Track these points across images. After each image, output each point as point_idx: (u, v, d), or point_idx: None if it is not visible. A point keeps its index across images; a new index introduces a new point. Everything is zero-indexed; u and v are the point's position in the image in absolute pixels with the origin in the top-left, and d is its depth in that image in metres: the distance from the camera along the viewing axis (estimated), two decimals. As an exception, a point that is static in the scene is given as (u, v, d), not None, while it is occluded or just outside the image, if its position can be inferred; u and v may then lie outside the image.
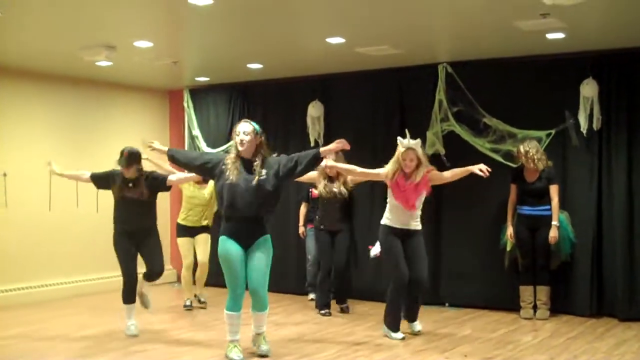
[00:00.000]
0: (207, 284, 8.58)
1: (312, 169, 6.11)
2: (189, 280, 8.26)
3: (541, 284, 7.57)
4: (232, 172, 5.67)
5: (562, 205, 7.63)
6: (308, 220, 8.53)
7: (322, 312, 7.71)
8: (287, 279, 9.11)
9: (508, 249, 7.68)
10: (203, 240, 8.24)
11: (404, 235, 6.51)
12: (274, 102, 9.61)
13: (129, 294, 6.74)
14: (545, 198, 7.47)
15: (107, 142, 9.43)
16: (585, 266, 7.61)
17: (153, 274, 6.78)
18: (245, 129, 5.78)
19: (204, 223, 8.25)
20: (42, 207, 8.29)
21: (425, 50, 7.85)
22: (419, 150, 6.44)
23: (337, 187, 7.67)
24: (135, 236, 6.70)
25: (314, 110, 9.15)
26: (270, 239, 5.84)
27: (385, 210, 6.61)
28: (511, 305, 7.73)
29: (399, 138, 6.48)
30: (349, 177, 7.59)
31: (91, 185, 6.93)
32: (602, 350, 6.16)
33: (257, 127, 5.83)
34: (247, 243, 5.71)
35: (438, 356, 5.98)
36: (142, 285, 6.86)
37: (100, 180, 6.83)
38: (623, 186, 7.47)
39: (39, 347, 6.37)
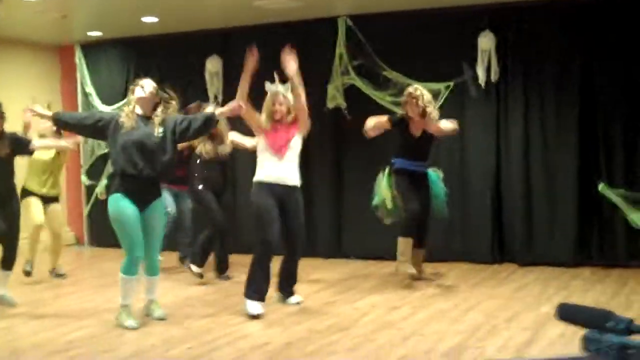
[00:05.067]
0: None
1: (207, 132, 5.79)
2: (37, 240, 7.32)
3: (420, 246, 6.92)
4: (129, 127, 5.39)
5: (461, 156, 7.80)
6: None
7: (195, 270, 7.03)
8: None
9: (389, 206, 6.84)
10: (56, 210, 7.55)
11: (281, 193, 5.79)
12: (170, 58, 9.32)
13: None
14: (425, 155, 6.83)
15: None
16: (485, 216, 7.83)
17: (10, 252, 6.24)
18: (147, 83, 5.57)
19: (53, 192, 7.48)
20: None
21: (325, 3, 7.78)
22: (289, 95, 5.88)
23: (218, 147, 7.06)
24: None
25: (212, 66, 8.95)
26: (168, 196, 5.66)
27: (257, 168, 5.92)
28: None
29: (266, 83, 5.96)
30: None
31: None
32: (505, 295, 6.36)
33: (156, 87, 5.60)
34: (143, 204, 5.46)
35: (347, 307, 6.04)
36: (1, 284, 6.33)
37: None
38: (520, 136, 7.70)
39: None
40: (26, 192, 7.34)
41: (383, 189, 6.87)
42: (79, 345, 5.06)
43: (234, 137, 7.09)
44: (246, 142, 6.92)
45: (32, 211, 7.31)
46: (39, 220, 7.31)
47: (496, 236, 7.84)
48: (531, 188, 7.69)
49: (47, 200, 7.45)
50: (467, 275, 7.29)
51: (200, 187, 7.09)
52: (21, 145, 6.26)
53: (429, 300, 6.23)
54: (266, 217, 5.74)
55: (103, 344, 5.09)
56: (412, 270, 6.69)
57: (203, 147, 7.02)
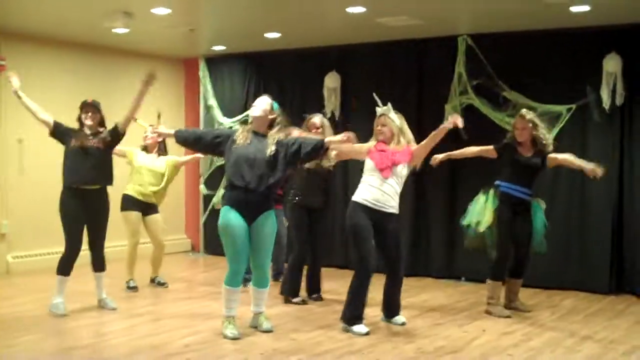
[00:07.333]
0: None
1: (317, 158, 5.87)
2: (135, 259, 7.47)
3: (518, 277, 6.70)
4: (243, 142, 5.54)
5: (582, 181, 7.57)
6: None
7: (296, 300, 6.85)
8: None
9: (482, 229, 6.55)
10: (156, 219, 7.56)
11: (378, 217, 5.75)
12: (290, 73, 9.52)
13: (67, 265, 6.28)
14: (531, 180, 6.54)
15: (122, 109, 9.30)
16: (604, 244, 7.54)
17: (98, 255, 6.41)
18: (261, 101, 5.67)
19: (154, 200, 7.49)
20: (57, 173, 8.27)
21: (445, 21, 7.75)
22: (392, 117, 5.83)
23: (322, 160, 6.68)
24: (85, 199, 6.24)
25: (331, 82, 9.05)
26: (275, 214, 5.74)
27: (359, 187, 5.89)
28: (530, 280, 7.30)
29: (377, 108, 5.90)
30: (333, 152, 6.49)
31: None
32: (622, 327, 6.12)
33: (274, 104, 5.70)
34: (251, 217, 5.55)
35: (456, 330, 5.95)
36: (101, 290, 6.53)
37: (61, 130, 6.36)
38: (645, 162, 7.40)
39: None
40: (128, 201, 7.41)
41: (485, 210, 6.57)
42: (195, 349, 5.24)
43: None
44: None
45: (131, 229, 7.43)
46: (138, 239, 7.47)
47: (615, 266, 7.55)
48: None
49: (148, 208, 7.51)
50: (582, 304, 7.05)
51: (295, 199, 6.87)
52: (113, 130, 6.42)
53: (543, 327, 6.07)
54: (361, 235, 5.73)
55: (216, 349, 5.25)
56: (507, 314, 6.47)
57: None
